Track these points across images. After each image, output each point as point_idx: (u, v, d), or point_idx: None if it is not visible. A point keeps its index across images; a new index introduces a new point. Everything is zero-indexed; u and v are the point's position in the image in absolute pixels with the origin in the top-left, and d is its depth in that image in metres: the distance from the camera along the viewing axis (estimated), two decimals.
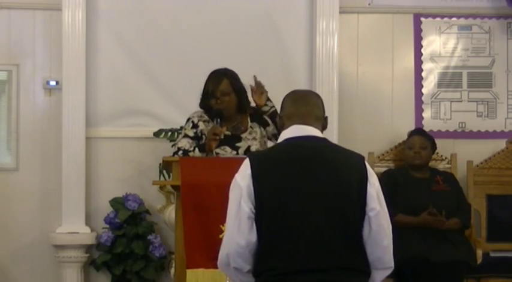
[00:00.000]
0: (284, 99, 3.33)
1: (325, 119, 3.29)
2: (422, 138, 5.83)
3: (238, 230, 3.07)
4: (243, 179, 3.09)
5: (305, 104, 3.25)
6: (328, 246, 3.03)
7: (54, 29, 6.07)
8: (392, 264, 3.17)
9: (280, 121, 3.31)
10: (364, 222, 3.09)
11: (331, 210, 3.05)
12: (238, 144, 5.06)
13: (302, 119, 3.21)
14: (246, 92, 5.17)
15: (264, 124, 5.21)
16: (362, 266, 3.10)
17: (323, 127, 3.27)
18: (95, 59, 6.10)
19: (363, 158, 3.21)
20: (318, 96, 3.35)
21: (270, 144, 5.12)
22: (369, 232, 3.10)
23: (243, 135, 5.12)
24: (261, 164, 3.11)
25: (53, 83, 6.11)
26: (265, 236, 3.05)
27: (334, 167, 3.12)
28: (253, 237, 3.06)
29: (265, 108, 5.24)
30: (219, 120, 5.01)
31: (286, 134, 3.21)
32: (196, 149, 4.98)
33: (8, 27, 6.11)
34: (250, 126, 5.17)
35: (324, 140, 3.21)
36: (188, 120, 5.17)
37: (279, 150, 3.20)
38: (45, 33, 6.13)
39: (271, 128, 5.20)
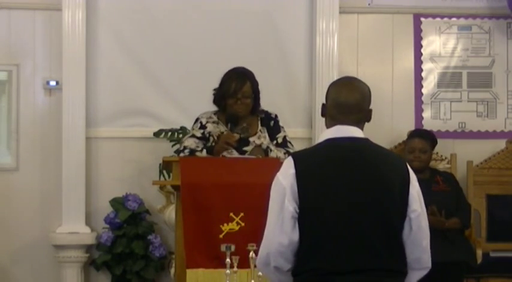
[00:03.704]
0: (330, 86, 3.28)
1: (369, 111, 3.25)
2: (422, 141, 5.80)
3: (281, 229, 3.05)
4: (285, 178, 3.08)
5: (351, 96, 3.21)
6: (370, 247, 3.03)
7: (54, 29, 6.07)
8: (430, 264, 3.18)
9: (323, 109, 3.27)
10: (405, 223, 3.10)
11: (374, 211, 3.05)
12: (245, 148, 4.98)
13: (346, 115, 3.18)
14: (259, 94, 5.09)
15: (274, 130, 5.14)
16: (401, 267, 3.11)
17: (367, 120, 3.25)
18: (95, 59, 6.10)
19: (404, 160, 3.23)
20: (365, 85, 3.30)
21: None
22: (409, 233, 3.10)
23: (252, 139, 5.01)
24: (304, 163, 3.10)
25: (53, 83, 6.10)
26: (307, 236, 3.05)
27: (377, 168, 3.11)
28: (295, 236, 3.05)
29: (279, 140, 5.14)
30: (233, 125, 4.92)
31: (327, 134, 3.19)
32: (204, 151, 4.93)
33: (8, 27, 6.11)
34: (260, 130, 5.08)
35: (366, 140, 3.19)
36: (197, 120, 5.11)
37: (321, 151, 3.18)
38: (45, 33, 6.13)
39: (281, 135, 5.14)
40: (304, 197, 3.05)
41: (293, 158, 3.13)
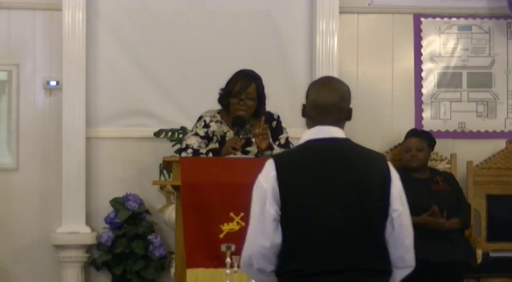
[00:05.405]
0: (309, 87, 3.27)
1: (350, 110, 3.24)
2: (418, 140, 5.81)
3: (263, 231, 3.06)
4: (266, 180, 3.08)
5: (329, 96, 3.19)
6: (351, 247, 3.03)
7: (54, 29, 6.07)
8: (413, 262, 3.18)
9: (303, 110, 3.26)
10: (387, 223, 3.10)
11: (355, 211, 3.05)
12: (248, 149, 4.97)
13: (325, 116, 3.17)
14: (265, 98, 5.09)
15: (277, 131, 5.13)
16: (384, 266, 3.11)
17: (347, 119, 3.24)
18: (94, 59, 6.11)
19: (385, 158, 3.23)
20: (344, 85, 3.27)
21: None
22: (392, 232, 3.10)
23: (254, 140, 4.98)
24: (285, 165, 3.10)
25: (53, 83, 6.11)
26: (289, 237, 3.05)
27: (357, 168, 3.11)
28: (278, 238, 3.06)
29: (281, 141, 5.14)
30: (240, 127, 4.90)
31: (308, 135, 3.19)
32: (210, 154, 4.91)
33: (8, 27, 6.11)
34: None
35: (347, 140, 3.19)
36: (200, 118, 5.08)
37: (302, 152, 3.18)
38: (45, 33, 6.13)
39: (283, 136, 5.13)
40: (285, 199, 3.05)
41: (274, 160, 3.13)
